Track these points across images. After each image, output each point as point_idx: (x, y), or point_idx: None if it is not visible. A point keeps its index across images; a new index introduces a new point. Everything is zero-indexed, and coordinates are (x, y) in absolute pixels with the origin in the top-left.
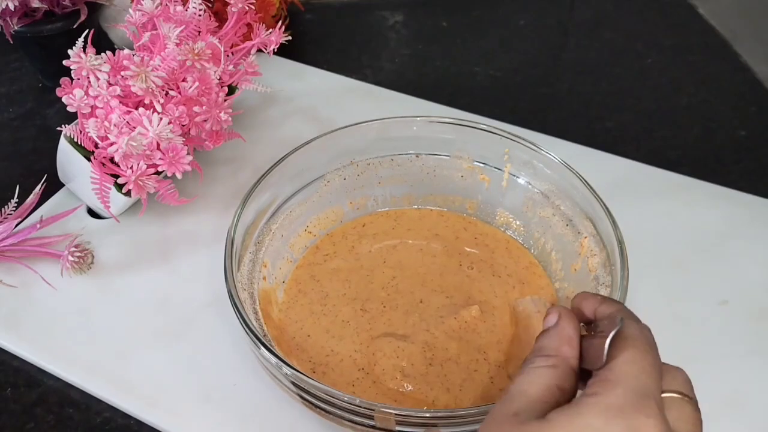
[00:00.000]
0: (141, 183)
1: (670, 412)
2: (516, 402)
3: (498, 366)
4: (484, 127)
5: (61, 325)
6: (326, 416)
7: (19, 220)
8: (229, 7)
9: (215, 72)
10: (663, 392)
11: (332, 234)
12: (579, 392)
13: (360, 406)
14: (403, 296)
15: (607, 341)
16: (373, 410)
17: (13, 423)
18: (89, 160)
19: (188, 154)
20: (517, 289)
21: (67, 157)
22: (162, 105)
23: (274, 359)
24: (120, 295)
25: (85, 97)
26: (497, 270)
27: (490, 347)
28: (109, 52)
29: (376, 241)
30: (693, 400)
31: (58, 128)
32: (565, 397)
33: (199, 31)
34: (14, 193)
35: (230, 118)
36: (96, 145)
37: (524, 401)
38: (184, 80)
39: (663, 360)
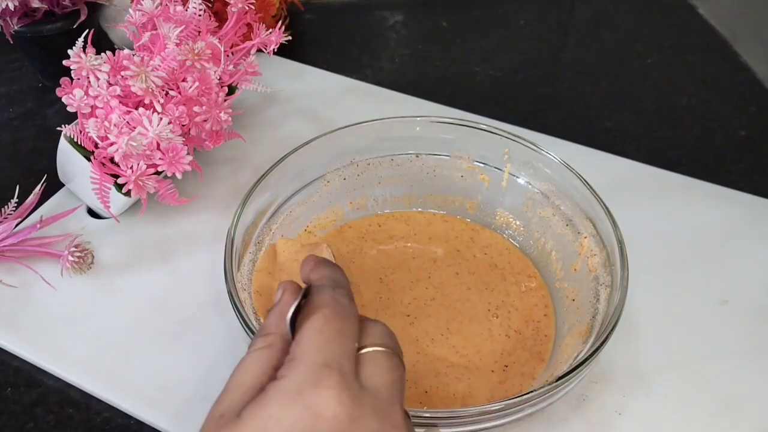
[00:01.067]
0: (141, 183)
1: (364, 368)
2: (226, 399)
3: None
4: (484, 127)
5: (61, 325)
6: None
7: (19, 220)
8: (229, 7)
9: (215, 72)
10: (360, 349)
11: (332, 234)
12: None
13: None
14: (403, 298)
15: (288, 316)
16: None
17: (13, 423)
18: (89, 160)
19: (188, 154)
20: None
21: (67, 157)
22: (162, 105)
23: None
24: (120, 295)
25: (85, 97)
26: (490, 283)
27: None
28: (109, 52)
29: (377, 244)
30: (388, 349)
31: (58, 128)
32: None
33: (199, 31)
34: (14, 193)
35: (230, 118)
36: (96, 145)
37: (236, 396)
38: (184, 80)
39: (660, 356)
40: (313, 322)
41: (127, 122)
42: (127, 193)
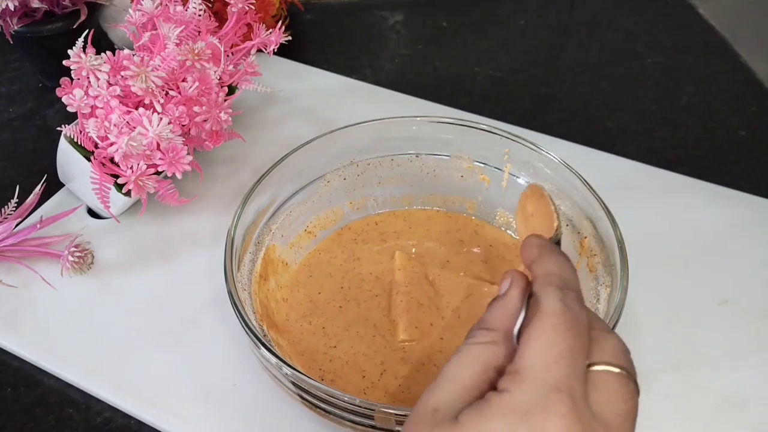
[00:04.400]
0: (141, 183)
1: (596, 392)
2: (441, 392)
3: None
4: (484, 127)
5: (61, 325)
6: (326, 416)
7: (19, 220)
8: (229, 7)
9: (215, 72)
10: (591, 366)
11: (332, 234)
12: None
13: (360, 406)
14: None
15: (516, 327)
16: (373, 410)
17: (13, 423)
18: (89, 160)
19: (188, 154)
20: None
21: (67, 157)
22: (162, 105)
23: (274, 359)
24: (120, 295)
25: (85, 97)
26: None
27: None
28: (109, 52)
29: (377, 243)
30: (624, 371)
31: (58, 128)
32: (497, 376)
33: (199, 31)
34: (14, 193)
35: (230, 118)
36: (96, 145)
37: (452, 391)
38: (184, 80)
39: (660, 356)
40: (542, 334)
41: (127, 122)
42: (127, 193)
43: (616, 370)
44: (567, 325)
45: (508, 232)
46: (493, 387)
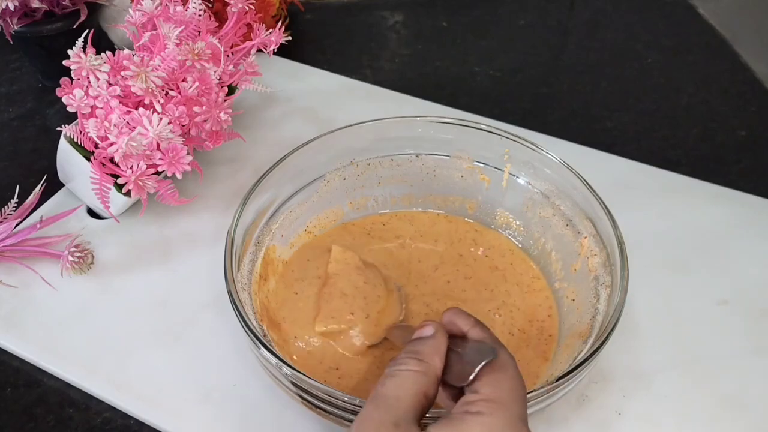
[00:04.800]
0: (141, 183)
1: None
2: (394, 410)
3: None
4: (484, 127)
5: (61, 325)
6: (326, 416)
7: (19, 220)
8: (229, 7)
9: (215, 72)
10: None
11: (332, 234)
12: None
13: (360, 406)
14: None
15: (481, 365)
16: None
17: (13, 423)
18: (89, 160)
19: (188, 154)
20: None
21: (67, 157)
22: (162, 105)
23: (274, 359)
24: (120, 295)
25: (85, 97)
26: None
27: None
28: (109, 52)
29: (377, 243)
30: None
31: (58, 128)
32: (428, 405)
33: (199, 31)
34: (14, 193)
35: (230, 118)
36: (96, 145)
37: (401, 408)
38: (184, 80)
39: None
40: (510, 380)
41: (127, 122)
42: (127, 193)
43: None
44: (521, 379)
45: (508, 232)
46: (424, 411)
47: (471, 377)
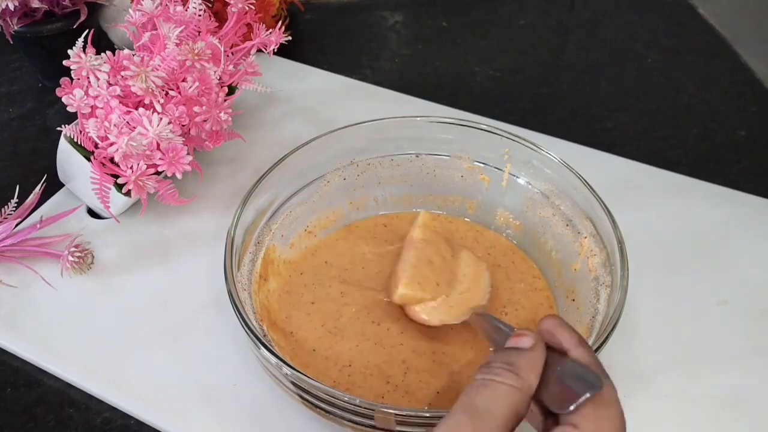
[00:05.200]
0: (141, 183)
1: None
2: (485, 423)
3: None
4: (484, 127)
5: (61, 325)
6: (326, 416)
7: (19, 220)
8: (229, 7)
9: (215, 72)
10: None
11: (332, 234)
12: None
13: (360, 406)
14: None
15: (586, 395)
16: (373, 410)
17: (13, 423)
18: (89, 160)
19: (188, 154)
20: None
21: (67, 157)
22: (162, 105)
23: (274, 359)
24: (120, 295)
25: (85, 97)
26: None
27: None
28: (109, 52)
29: (377, 245)
30: None
31: (58, 128)
32: (517, 423)
33: (199, 31)
34: (14, 193)
35: (230, 118)
36: (96, 145)
37: (492, 424)
38: (184, 80)
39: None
40: (614, 420)
41: (127, 122)
42: (127, 193)
43: None
44: (622, 412)
45: (508, 232)
46: (513, 427)
47: (572, 407)
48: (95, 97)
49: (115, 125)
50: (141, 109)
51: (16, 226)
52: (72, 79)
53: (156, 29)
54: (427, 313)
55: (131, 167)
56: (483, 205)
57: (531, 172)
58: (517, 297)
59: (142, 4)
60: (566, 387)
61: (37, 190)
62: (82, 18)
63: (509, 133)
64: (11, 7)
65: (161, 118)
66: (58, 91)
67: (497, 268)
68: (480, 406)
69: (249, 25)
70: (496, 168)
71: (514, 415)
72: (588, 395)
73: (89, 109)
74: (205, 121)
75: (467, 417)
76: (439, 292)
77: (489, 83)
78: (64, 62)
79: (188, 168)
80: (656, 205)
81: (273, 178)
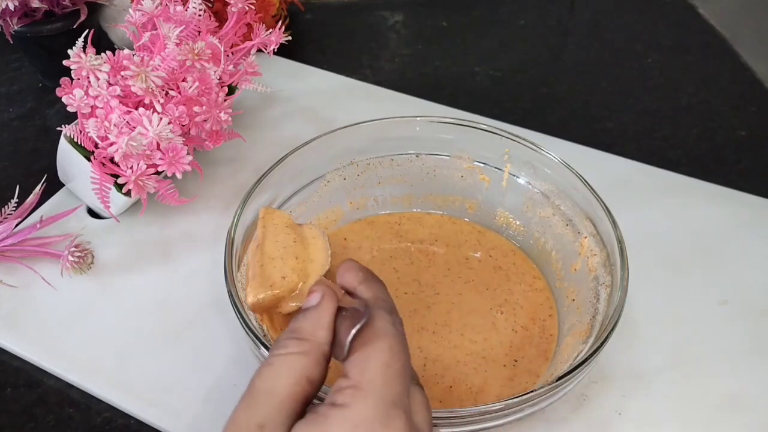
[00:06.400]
0: (141, 183)
1: (413, 405)
2: (262, 407)
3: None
4: (484, 127)
5: (61, 325)
6: None
7: (19, 220)
8: (229, 7)
9: (215, 72)
10: None
11: (332, 234)
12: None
13: None
14: (409, 300)
15: (349, 337)
16: None
17: (13, 423)
18: (89, 160)
19: (188, 154)
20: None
21: (67, 157)
22: (162, 105)
23: None
24: (120, 295)
25: (85, 97)
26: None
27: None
28: (109, 52)
29: (376, 245)
30: (419, 384)
31: (58, 128)
32: (313, 390)
33: (199, 31)
34: (14, 193)
35: (230, 118)
36: (96, 145)
37: (272, 405)
38: (184, 80)
39: (660, 356)
40: (380, 354)
41: (127, 122)
42: (127, 193)
43: (418, 385)
44: (400, 347)
45: (508, 232)
46: (309, 398)
47: (345, 351)
48: (95, 97)
49: (115, 125)
50: (141, 109)
51: (16, 226)
52: (72, 79)
53: (156, 29)
54: (296, 303)
55: (131, 167)
56: (483, 205)
57: (531, 172)
58: (516, 297)
59: (142, 4)
60: (339, 333)
61: (37, 190)
62: (82, 18)
63: (509, 133)
64: (11, 7)
65: (161, 118)
66: (58, 91)
67: (498, 270)
68: (259, 388)
69: (249, 25)
70: (496, 168)
71: (304, 385)
72: (352, 333)
73: (89, 109)
74: (205, 121)
75: (243, 404)
76: (292, 282)
77: (489, 83)
78: (64, 62)
79: (188, 168)
80: (656, 205)
81: (273, 178)
